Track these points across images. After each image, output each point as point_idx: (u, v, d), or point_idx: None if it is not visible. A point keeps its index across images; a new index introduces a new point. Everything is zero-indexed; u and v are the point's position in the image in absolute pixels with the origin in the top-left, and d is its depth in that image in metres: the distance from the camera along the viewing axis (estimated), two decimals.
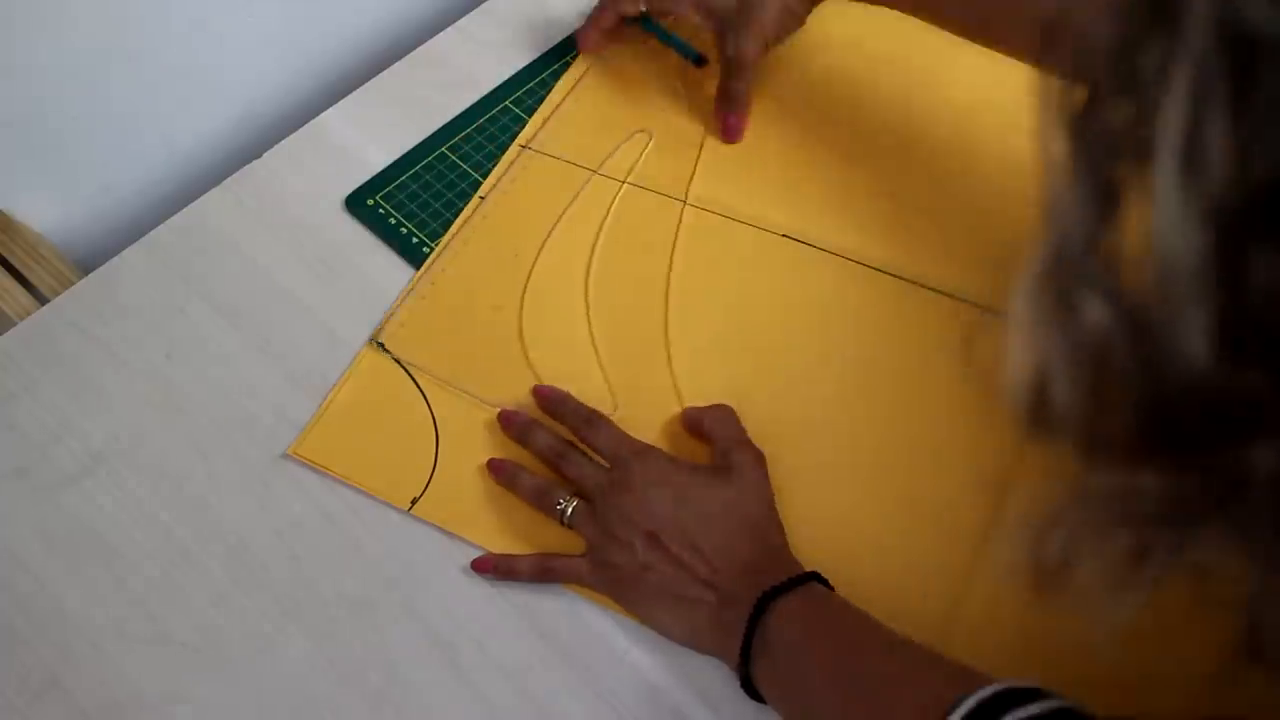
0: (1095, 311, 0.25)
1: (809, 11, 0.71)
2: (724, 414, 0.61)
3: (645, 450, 0.59)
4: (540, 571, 0.58)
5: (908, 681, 0.48)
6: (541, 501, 0.59)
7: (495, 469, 0.61)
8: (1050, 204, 0.27)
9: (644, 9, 0.73)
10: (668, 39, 0.75)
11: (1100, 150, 0.26)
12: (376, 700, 0.55)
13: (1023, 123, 0.28)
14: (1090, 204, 0.26)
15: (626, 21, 0.74)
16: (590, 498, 0.58)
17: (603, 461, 0.60)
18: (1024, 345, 0.27)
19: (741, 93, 0.71)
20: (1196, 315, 0.23)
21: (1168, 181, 0.23)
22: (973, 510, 0.58)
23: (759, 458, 0.59)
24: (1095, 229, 0.26)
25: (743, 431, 0.60)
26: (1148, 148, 0.24)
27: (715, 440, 0.59)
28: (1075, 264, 0.26)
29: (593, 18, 0.75)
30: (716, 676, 0.55)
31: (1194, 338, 0.24)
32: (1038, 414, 0.27)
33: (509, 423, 0.62)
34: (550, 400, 0.62)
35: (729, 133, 0.72)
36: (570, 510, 0.58)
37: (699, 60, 0.74)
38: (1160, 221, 0.23)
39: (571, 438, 0.61)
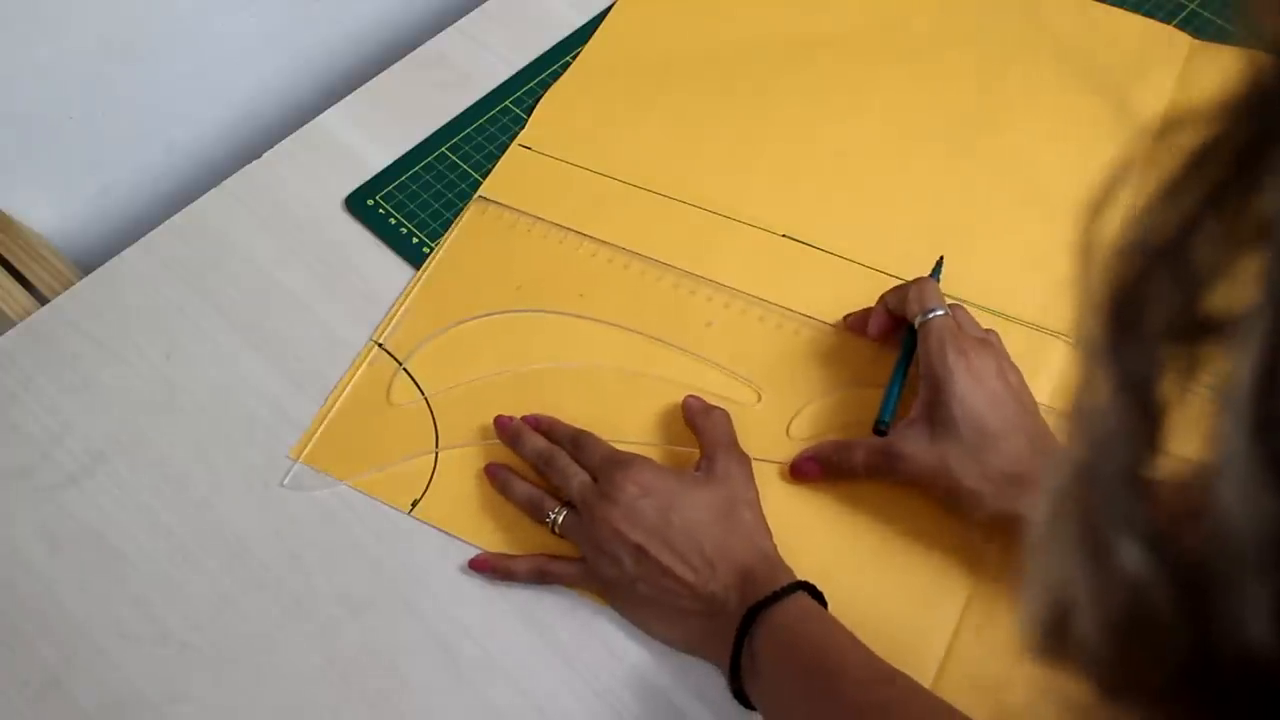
0: (1132, 559, 0.21)
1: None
2: (718, 417, 0.60)
3: (630, 460, 0.58)
4: (537, 574, 0.58)
5: (898, 715, 0.47)
6: (533, 510, 0.59)
7: (490, 473, 0.61)
8: (1081, 419, 0.22)
9: (915, 322, 0.59)
10: (897, 374, 0.60)
11: (1147, 364, 0.21)
12: (376, 700, 0.55)
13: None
14: (1133, 431, 0.21)
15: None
16: (576, 508, 0.58)
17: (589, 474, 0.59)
18: (1043, 566, 0.24)
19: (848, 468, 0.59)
20: (1260, 592, 0.20)
21: (1237, 434, 0.19)
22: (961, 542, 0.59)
23: (744, 460, 0.59)
24: (1136, 460, 0.22)
25: (732, 435, 0.60)
26: (1215, 383, 0.20)
27: (703, 442, 0.60)
28: (1110, 500, 0.22)
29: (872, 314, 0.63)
30: (716, 676, 0.55)
31: (1255, 615, 0.20)
32: (1054, 641, 0.24)
33: (502, 428, 0.62)
34: (540, 424, 0.62)
35: (797, 474, 0.60)
36: (560, 520, 0.58)
37: (880, 428, 0.59)
38: (1223, 479, 0.20)
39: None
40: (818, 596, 0.53)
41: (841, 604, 0.53)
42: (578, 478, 0.58)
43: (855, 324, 0.64)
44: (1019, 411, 0.55)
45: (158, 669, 0.56)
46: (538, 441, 0.60)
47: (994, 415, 0.54)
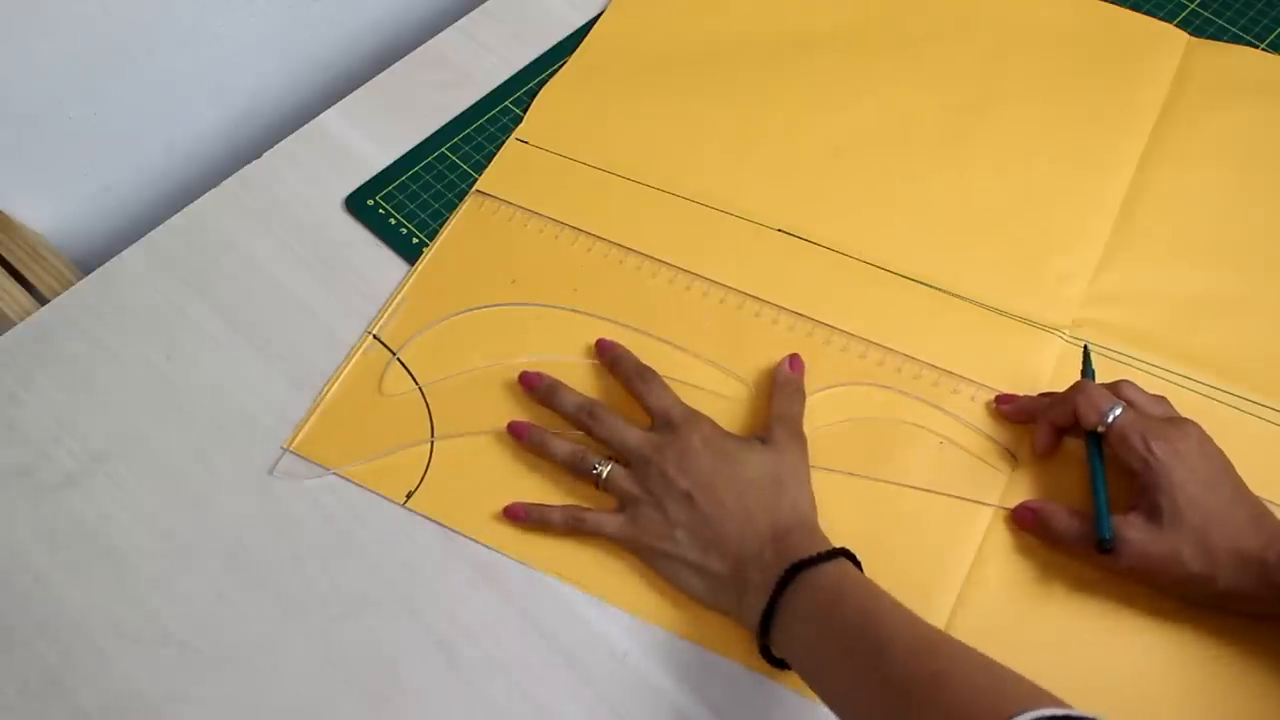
0: None
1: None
2: (793, 395, 0.62)
3: (695, 415, 0.60)
4: (572, 522, 0.58)
5: (952, 685, 0.45)
6: (577, 464, 0.60)
7: (519, 432, 0.61)
8: None
9: (1099, 429, 0.57)
10: (1099, 487, 0.57)
11: None
12: (376, 700, 0.55)
13: None
14: None
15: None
16: (627, 459, 0.59)
17: (628, 425, 0.60)
18: None
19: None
20: None
21: None
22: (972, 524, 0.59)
23: (803, 441, 0.60)
24: None
25: (799, 413, 0.61)
26: None
27: (772, 411, 0.61)
28: None
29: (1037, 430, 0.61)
30: (717, 677, 0.55)
31: None
32: None
33: (533, 385, 0.63)
34: (609, 351, 0.64)
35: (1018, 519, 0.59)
36: (606, 473, 0.59)
37: (1105, 545, 0.54)
38: None
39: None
40: (858, 565, 0.54)
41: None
42: (631, 431, 0.60)
43: (1012, 415, 0.62)
44: (1231, 486, 0.55)
45: (157, 669, 0.56)
46: (575, 396, 0.62)
47: (1213, 498, 0.54)
